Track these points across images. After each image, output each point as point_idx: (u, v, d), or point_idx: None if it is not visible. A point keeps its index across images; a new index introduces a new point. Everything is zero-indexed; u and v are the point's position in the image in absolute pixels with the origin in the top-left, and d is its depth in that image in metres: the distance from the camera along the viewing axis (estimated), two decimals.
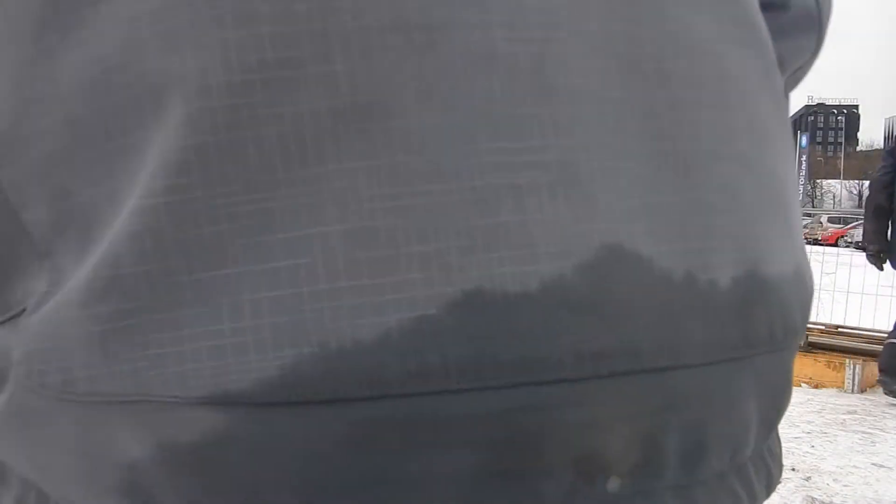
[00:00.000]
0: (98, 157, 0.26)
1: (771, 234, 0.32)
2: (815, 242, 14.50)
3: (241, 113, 0.24)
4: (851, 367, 4.00)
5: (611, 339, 0.26)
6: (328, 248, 0.24)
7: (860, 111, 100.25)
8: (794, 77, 0.44)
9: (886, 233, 3.66)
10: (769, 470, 0.36)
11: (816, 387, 4.05)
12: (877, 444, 3.54)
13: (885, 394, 3.79)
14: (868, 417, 3.76)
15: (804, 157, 44.01)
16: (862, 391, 4.03)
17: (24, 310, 0.28)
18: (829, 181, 70.95)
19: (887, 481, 3.15)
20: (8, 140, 0.27)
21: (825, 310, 4.81)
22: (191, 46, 0.24)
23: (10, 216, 0.27)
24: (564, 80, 0.27)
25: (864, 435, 3.56)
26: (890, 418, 4.05)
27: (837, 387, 4.03)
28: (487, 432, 0.25)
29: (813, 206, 49.06)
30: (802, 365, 3.96)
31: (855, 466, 3.18)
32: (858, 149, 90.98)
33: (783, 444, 0.43)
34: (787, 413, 0.37)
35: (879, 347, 3.78)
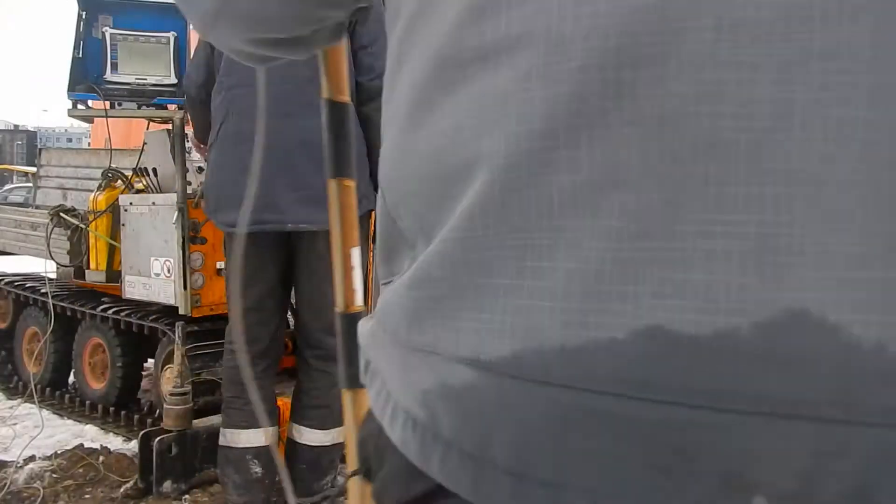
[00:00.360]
0: (433, 198, 0.41)
1: None
2: None
3: (515, 182, 0.36)
4: None
5: (772, 385, 0.32)
6: (561, 277, 0.35)
7: None
8: None
9: None
10: None
11: None
12: None
13: None
14: None
15: None
16: None
17: (394, 279, 0.46)
18: None
19: None
20: (391, 178, 0.46)
21: None
22: (494, 135, 0.37)
23: (392, 223, 0.46)
24: (781, 163, 0.31)
25: None
26: None
27: None
28: (659, 435, 0.34)
29: None
30: None
31: None
32: None
33: None
34: None
35: None
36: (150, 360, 3.51)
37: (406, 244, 0.45)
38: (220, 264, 3.04)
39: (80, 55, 2.78)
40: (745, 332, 0.31)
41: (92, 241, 3.43)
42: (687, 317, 0.32)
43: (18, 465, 2.79)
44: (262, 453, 2.42)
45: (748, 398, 0.32)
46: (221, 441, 2.46)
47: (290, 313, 2.77)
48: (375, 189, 2.30)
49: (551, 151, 0.35)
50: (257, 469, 2.41)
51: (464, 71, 0.39)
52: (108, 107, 2.76)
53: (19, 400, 3.81)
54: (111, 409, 3.52)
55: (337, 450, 2.58)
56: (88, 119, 3.01)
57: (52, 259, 3.57)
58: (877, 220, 0.31)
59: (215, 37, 0.70)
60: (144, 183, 3.31)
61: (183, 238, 2.90)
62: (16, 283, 4.12)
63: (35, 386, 3.45)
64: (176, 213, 2.88)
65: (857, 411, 0.31)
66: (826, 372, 0.31)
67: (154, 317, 3.21)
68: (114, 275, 3.40)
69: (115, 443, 3.23)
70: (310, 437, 2.50)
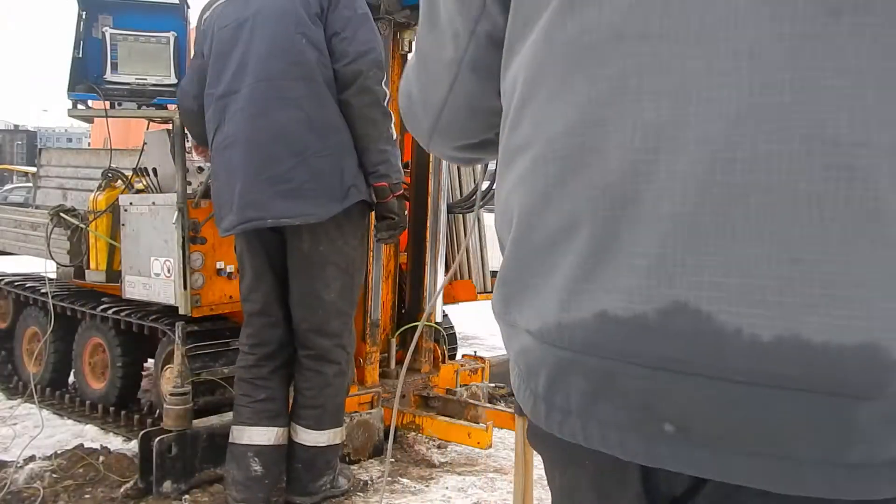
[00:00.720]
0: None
1: None
2: None
3: (527, 228, 0.66)
4: None
5: (668, 351, 0.56)
6: (556, 283, 0.63)
7: None
8: None
9: None
10: None
11: None
12: None
13: None
14: None
15: None
16: None
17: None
18: None
19: None
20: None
21: None
22: (521, 192, 0.67)
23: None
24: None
25: None
26: None
27: None
28: (609, 377, 0.59)
29: None
30: None
31: None
32: None
33: None
34: None
35: None
36: (150, 360, 3.51)
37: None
38: (220, 264, 3.04)
39: (80, 55, 2.78)
40: (650, 315, 0.55)
41: (92, 241, 3.43)
42: (619, 305, 0.57)
43: (18, 465, 2.79)
44: (263, 452, 2.42)
45: (654, 358, 0.56)
46: (230, 438, 2.49)
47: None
48: (366, 180, 2.28)
49: (539, 214, 0.64)
50: (257, 468, 2.41)
51: (512, 159, 0.68)
52: (108, 107, 2.76)
53: (19, 400, 3.81)
54: (111, 409, 3.52)
55: (333, 451, 2.55)
56: (88, 119, 3.01)
57: (52, 259, 3.57)
58: (732, 239, 0.53)
59: (433, 147, 0.97)
60: (144, 183, 3.31)
61: (183, 238, 2.90)
62: (16, 283, 4.12)
63: (35, 386, 3.45)
64: (176, 213, 2.88)
65: (725, 372, 0.53)
66: (704, 343, 0.54)
67: (154, 317, 3.22)
68: (114, 275, 3.40)
69: (115, 443, 3.23)
70: (304, 436, 2.49)
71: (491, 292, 4.52)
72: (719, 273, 0.53)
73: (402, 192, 2.52)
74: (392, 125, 2.43)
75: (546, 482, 0.78)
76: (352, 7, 2.33)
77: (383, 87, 2.38)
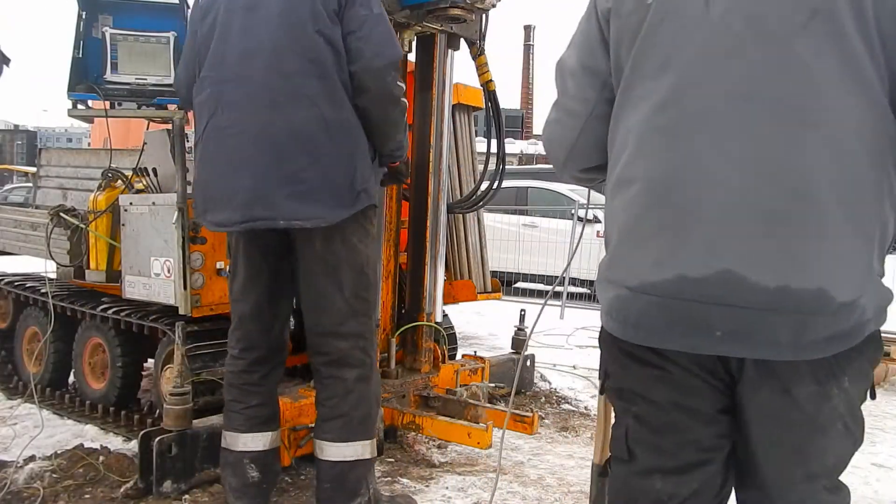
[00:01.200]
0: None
1: None
2: None
3: (630, 222, 1.31)
4: None
5: (717, 294, 1.17)
6: (639, 256, 1.26)
7: None
8: None
9: None
10: None
11: None
12: (877, 444, 3.57)
13: None
14: (868, 417, 3.77)
15: None
16: None
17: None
18: None
19: (887, 481, 3.18)
20: None
21: None
22: (623, 205, 1.33)
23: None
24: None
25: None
26: (890, 418, 4.09)
27: None
28: (672, 310, 1.21)
29: None
30: None
31: (855, 466, 3.21)
32: None
33: None
34: None
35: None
36: (150, 360, 3.51)
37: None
38: (220, 264, 3.03)
39: (80, 55, 2.78)
40: (710, 276, 1.16)
41: (92, 241, 3.43)
42: (691, 270, 1.17)
43: (18, 465, 2.79)
44: (258, 458, 2.37)
45: (710, 297, 1.16)
46: (222, 443, 2.42)
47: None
48: (382, 184, 2.22)
49: (641, 218, 1.24)
50: (254, 473, 2.37)
51: (623, 184, 1.28)
52: (108, 107, 2.76)
53: (19, 400, 3.81)
54: (111, 409, 3.52)
55: (364, 467, 2.34)
56: (88, 119, 3.01)
57: (52, 259, 3.57)
58: (750, 233, 1.15)
59: (566, 171, 1.53)
60: (144, 183, 3.31)
61: (183, 238, 2.90)
62: (16, 283, 4.12)
63: (35, 386, 3.45)
64: (176, 213, 2.88)
65: (749, 304, 1.14)
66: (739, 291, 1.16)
67: (154, 317, 3.21)
68: (114, 275, 3.40)
69: (115, 443, 3.23)
70: (330, 451, 2.30)
71: (491, 292, 4.50)
72: (745, 252, 1.14)
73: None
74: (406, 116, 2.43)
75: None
76: (367, 5, 2.25)
77: (399, 84, 2.33)
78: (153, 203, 3.08)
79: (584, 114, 1.40)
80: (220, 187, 2.27)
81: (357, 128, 2.27)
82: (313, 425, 2.47)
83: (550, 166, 1.66)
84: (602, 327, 1.34)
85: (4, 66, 1.42)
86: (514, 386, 2.12)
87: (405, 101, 2.39)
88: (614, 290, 1.26)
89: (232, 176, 2.24)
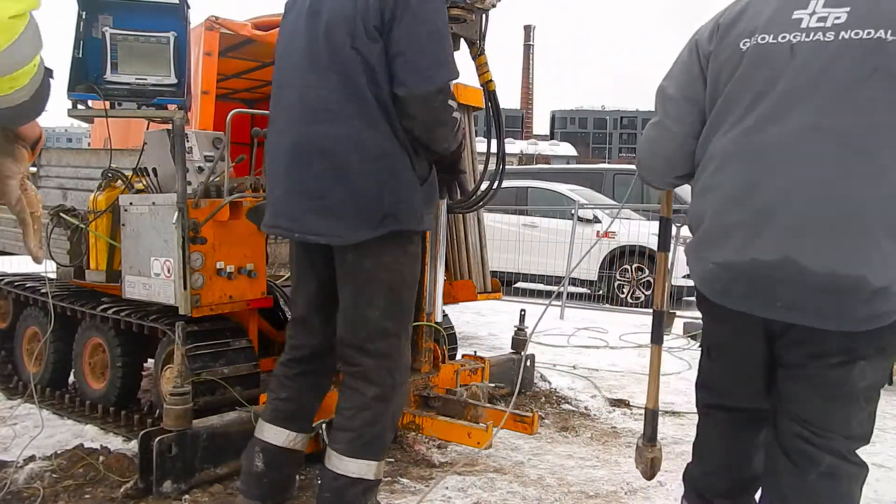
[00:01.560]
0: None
1: None
2: None
3: (712, 219, 1.85)
4: None
5: (777, 274, 1.68)
6: (723, 246, 1.79)
7: None
8: None
9: None
10: None
11: None
12: (877, 444, 3.57)
13: None
14: None
15: None
16: None
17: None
18: None
19: (887, 481, 3.18)
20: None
21: None
22: (709, 205, 1.86)
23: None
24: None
25: None
26: (890, 418, 4.09)
27: None
28: (751, 281, 1.74)
29: None
30: None
31: None
32: None
33: None
34: None
35: None
36: (150, 360, 3.51)
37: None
38: (220, 264, 3.04)
39: (80, 55, 2.78)
40: (776, 260, 1.64)
41: (92, 241, 3.43)
42: (763, 254, 1.66)
43: (18, 465, 2.79)
44: (268, 450, 2.41)
45: (776, 274, 1.65)
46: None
47: None
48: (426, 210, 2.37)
49: (723, 215, 1.75)
50: (259, 463, 2.41)
51: (709, 189, 1.81)
52: (108, 107, 2.76)
53: (19, 400, 3.81)
54: (111, 409, 3.52)
55: (363, 486, 2.27)
56: (88, 119, 3.01)
57: (52, 259, 3.56)
58: (803, 230, 1.63)
59: (663, 179, 2.06)
60: (144, 183, 3.31)
61: (183, 238, 2.90)
62: (16, 283, 4.12)
63: (35, 386, 3.45)
64: (176, 213, 2.88)
65: (805, 282, 1.62)
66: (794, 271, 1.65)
67: (154, 317, 3.21)
68: (114, 275, 3.40)
69: (115, 443, 3.23)
70: (336, 462, 2.27)
71: (491, 292, 4.49)
72: (802, 245, 1.59)
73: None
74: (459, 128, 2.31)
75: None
76: (421, 20, 2.08)
77: (450, 105, 2.19)
78: (153, 203, 3.08)
79: (682, 133, 1.88)
80: (270, 189, 2.35)
81: (394, 151, 2.16)
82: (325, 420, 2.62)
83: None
84: (697, 289, 1.91)
85: (50, 79, 1.45)
86: (517, 386, 2.11)
87: (457, 115, 2.26)
88: (703, 265, 1.81)
89: (273, 182, 2.31)
